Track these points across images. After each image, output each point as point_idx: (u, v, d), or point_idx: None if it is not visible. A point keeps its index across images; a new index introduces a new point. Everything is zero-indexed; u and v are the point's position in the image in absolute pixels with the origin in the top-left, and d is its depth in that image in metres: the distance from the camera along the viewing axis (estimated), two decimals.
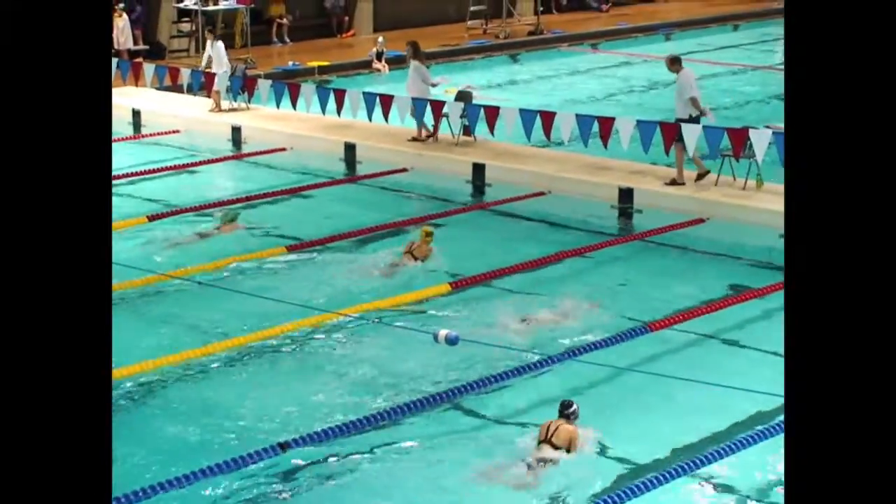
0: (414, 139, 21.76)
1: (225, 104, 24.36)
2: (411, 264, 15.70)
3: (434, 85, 22.38)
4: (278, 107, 22.99)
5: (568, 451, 10.51)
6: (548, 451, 10.55)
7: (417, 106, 21.06)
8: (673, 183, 18.60)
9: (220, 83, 23.84)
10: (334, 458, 10.57)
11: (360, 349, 13.07)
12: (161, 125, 24.26)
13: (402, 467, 10.52)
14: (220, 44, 24.98)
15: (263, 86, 23.17)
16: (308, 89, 22.45)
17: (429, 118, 21.26)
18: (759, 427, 10.97)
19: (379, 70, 30.63)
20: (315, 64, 30.67)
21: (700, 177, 18.64)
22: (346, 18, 36.09)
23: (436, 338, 10.25)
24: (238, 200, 19.00)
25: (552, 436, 10.59)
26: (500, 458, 10.59)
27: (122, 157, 20.97)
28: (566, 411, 10.70)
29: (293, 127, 23.08)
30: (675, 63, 18.65)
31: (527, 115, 19.85)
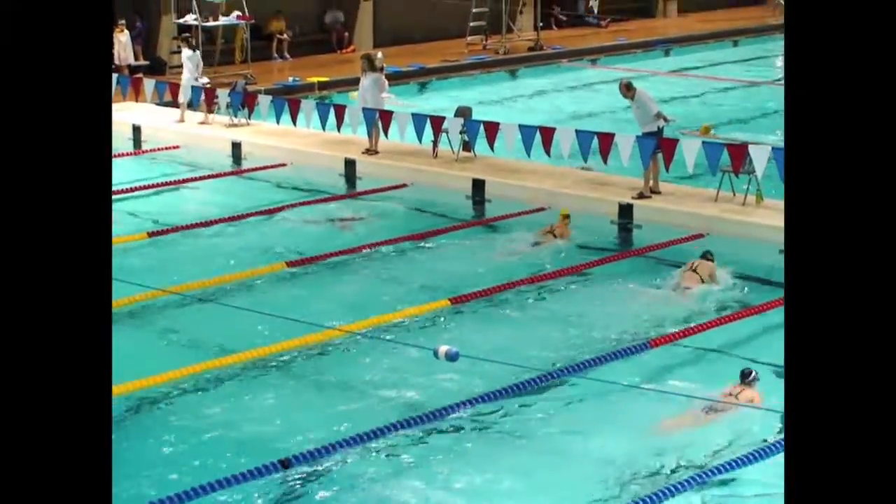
0: (367, 151, 21.87)
1: (225, 119, 24.42)
2: (551, 242, 17.40)
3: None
4: (278, 122, 23.02)
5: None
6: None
7: (369, 116, 21.40)
8: (641, 196, 18.71)
9: (185, 94, 24.32)
10: (336, 475, 10.55)
11: (360, 365, 13.06)
12: (161, 140, 24.28)
13: (398, 483, 10.51)
14: (189, 52, 25.41)
15: (264, 101, 23.21)
16: (308, 105, 22.48)
17: (428, 135, 21.27)
18: (759, 444, 10.96)
19: None
20: (315, 79, 30.69)
21: (640, 196, 18.71)
22: (346, 34, 36.14)
23: (436, 354, 10.24)
24: (238, 217, 18.99)
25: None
26: (493, 473, 10.60)
27: (123, 173, 20.97)
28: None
29: (293, 142, 23.11)
30: (630, 88, 18.96)
31: (526, 131, 19.87)
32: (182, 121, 24.85)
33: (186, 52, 25.31)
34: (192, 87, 24.47)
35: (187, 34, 27.53)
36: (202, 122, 24.67)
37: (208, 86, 24.93)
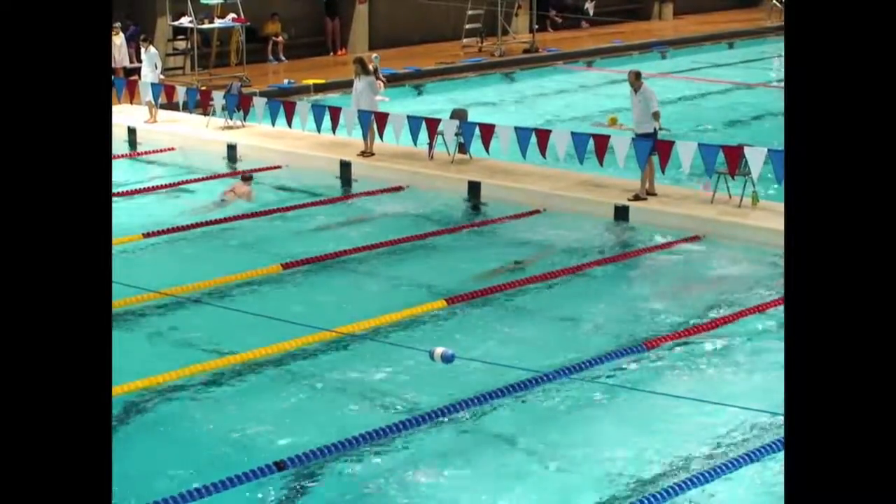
0: (363, 153, 21.89)
1: (220, 121, 24.43)
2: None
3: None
4: (274, 125, 22.99)
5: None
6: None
7: (364, 119, 21.44)
8: (636, 198, 18.72)
9: (145, 93, 24.64)
10: (331, 477, 10.55)
11: (355, 367, 13.05)
12: (157, 143, 24.27)
13: (394, 484, 10.51)
14: (154, 50, 25.84)
15: (259, 104, 23.20)
16: (303, 107, 22.47)
17: (424, 138, 21.28)
18: (757, 445, 10.97)
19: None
20: (310, 82, 30.71)
21: (636, 197, 18.72)
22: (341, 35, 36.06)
23: (432, 356, 10.24)
24: (234, 218, 18.97)
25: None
26: (490, 474, 10.60)
27: (118, 175, 20.94)
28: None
29: (289, 145, 23.10)
30: (638, 78, 18.83)
31: (522, 133, 19.88)
32: (154, 121, 25.22)
33: (153, 50, 25.84)
34: (188, 89, 24.53)
35: (144, 35, 28.10)
36: (148, 121, 25.06)
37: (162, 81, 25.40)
